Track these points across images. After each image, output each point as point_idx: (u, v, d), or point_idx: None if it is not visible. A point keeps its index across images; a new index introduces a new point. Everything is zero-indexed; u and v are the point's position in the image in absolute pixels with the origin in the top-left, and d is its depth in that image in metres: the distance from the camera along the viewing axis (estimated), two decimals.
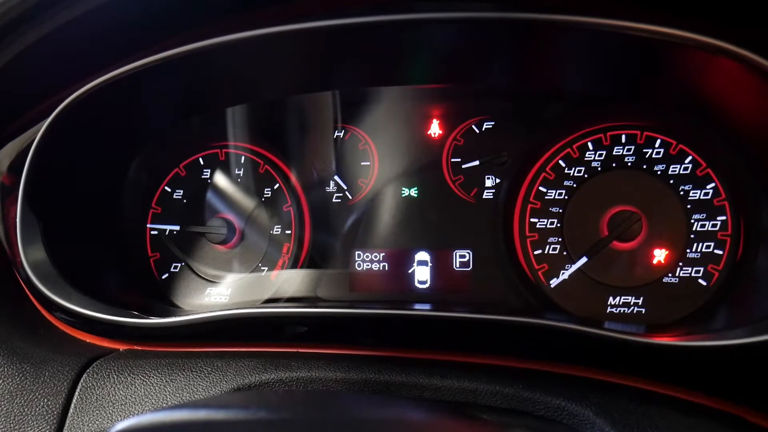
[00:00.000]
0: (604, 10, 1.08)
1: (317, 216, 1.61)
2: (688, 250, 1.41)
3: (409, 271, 1.57)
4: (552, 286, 1.48)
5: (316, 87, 1.56)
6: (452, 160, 1.56)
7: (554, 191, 1.49)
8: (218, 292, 1.61)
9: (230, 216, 1.62)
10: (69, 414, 1.18)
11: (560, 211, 1.48)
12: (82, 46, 1.23)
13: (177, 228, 1.63)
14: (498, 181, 1.54)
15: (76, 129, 1.34)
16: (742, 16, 1.07)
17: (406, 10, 1.15)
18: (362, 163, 1.60)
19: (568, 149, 1.48)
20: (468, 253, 1.54)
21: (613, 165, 1.46)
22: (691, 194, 1.41)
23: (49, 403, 1.18)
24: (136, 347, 1.32)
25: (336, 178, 1.61)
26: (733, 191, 1.39)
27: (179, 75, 1.34)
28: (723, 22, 1.07)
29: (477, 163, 1.55)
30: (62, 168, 1.38)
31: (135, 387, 1.19)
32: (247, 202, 1.63)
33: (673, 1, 1.07)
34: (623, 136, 1.45)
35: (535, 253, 1.50)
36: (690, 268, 1.41)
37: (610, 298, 1.44)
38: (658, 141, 1.43)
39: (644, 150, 1.44)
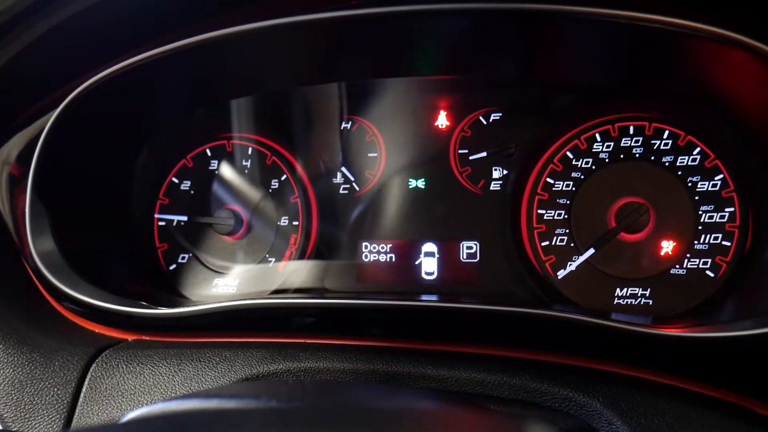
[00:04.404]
0: (614, 1, 1.07)
1: (324, 207, 1.61)
2: (695, 242, 1.41)
3: (416, 263, 1.57)
4: (559, 277, 1.48)
5: (324, 78, 1.56)
6: (459, 151, 1.56)
7: (562, 182, 1.49)
8: (226, 283, 1.62)
9: (237, 207, 1.62)
10: (79, 403, 1.19)
11: (568, 202, 1.48)
12: (90, 37, 1.23)
13: (185, 219, 1.63)
14: (505, 172, 1.54)
15: (84, 120, 1.34)
16: (753, 7, 1.06)
17: (414, 0, 1.15)
18: (369, 155, 1.60)
19: (576, 141, 1.48)
20: (475, 244, 1.54)
21: (621, 156, 1.45)
22: (699, 186, 1.40)
23: (59, 392, 1.19)
24: (144, 337, 1.33)
25: (343, 169, 1.61)
26: (742, 183, 1.38)
27: (187, 66, 1.34)
28: (733, 13, 1.06)
29: (484, 154, 1.55)
30: (71, 159, 1.39)
31: (144, 377, 1.20)
32: (254, 193, 1.63)
33: None
34: (631, 128, 1.45)
35: (543, 244, 1.49)
36: (698, 260, 1.40)
37: (618, 290, 1.44)
38: (667, 132, 1.43)
39: (652, 141, 1.43)
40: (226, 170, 1.64)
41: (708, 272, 1.40)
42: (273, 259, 1.61)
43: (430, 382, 1.13)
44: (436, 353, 1.18)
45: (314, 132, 1.64)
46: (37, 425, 1.17)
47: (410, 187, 1.58)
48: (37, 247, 1.31)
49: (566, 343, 1.20)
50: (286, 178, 1.61)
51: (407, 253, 1.57)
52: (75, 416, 1.18)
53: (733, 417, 1.03)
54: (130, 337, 1.32)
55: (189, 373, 1.19)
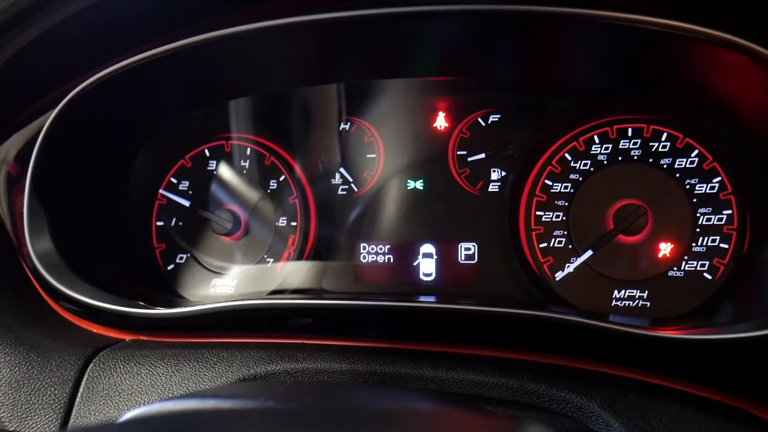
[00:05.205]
0: (612, 3, 1.08)
1: (323, 208, 1.61)
2: (693, 244, 1.41)
3: (414, 264, 1.57)
4: (557, 279, 1.48)
5: (322, 79, 1.56)
6: (458, 152, 1.56)
7: (560, 184, 1.49)
8: (224, 284, 1.62)
9: (235, 207, 1.62)
10: (76, 403, 1.18)
11: (566, 204, 1.48)
12: (89, 37, 1.23)
13: (187, 203, 1.63)
14: (504, 174, 1.54)
15: (83, 120, 1.34)
16: (750, 10, 1.06)
17: (413, 2, 1.15)
18: (368, 156, 1.60)
19: (575, 142, 1.48)
20: (473, 245, 1.54)
21: (619, 158, 1.46)
22: (697, 188, 1.41)
23: (56, 392, 1.19)
24: (142, 337, 1.33)
25: (341, 170, 1.61)
26: (739, 185, 1.38)
27: (186, 66, 1.34)
28: (731, 16, 1.07)
29: (483, 156, 1.55)
30: (69, 158, 1.38)
31: (141, 377, 1.19)
32: (252, 193, 1.63)
33: None
34: (629, 130, 1.45)
35: (541, 246, 1.50)
36: (695, 262, 1.40)
37: (616, 292, 1.44)
38: (665, 134, 1.43)
39: (650, 143, 1.44)
40: (225, 171, 1.63)
41: (706, 274, 1.40)
42: (271, 260, 1.61)
43: (428, 383, 1.13)
44: (433, 354, 1.18)
45: (313, 133, 1.64)
46: (33, 425, 1.17)
47: (409, 188, 1.58)
48: (35, 246, 1.31)
49: (564, 344, 1.20)
50: (284, 179, 1.61)
51: (405, 254, 1.57)
52: (72, 416, 1.17)
53: (731, 419, 1.03)
54: (127, 337, 1.32)
55: (186, 374, 1.19)
